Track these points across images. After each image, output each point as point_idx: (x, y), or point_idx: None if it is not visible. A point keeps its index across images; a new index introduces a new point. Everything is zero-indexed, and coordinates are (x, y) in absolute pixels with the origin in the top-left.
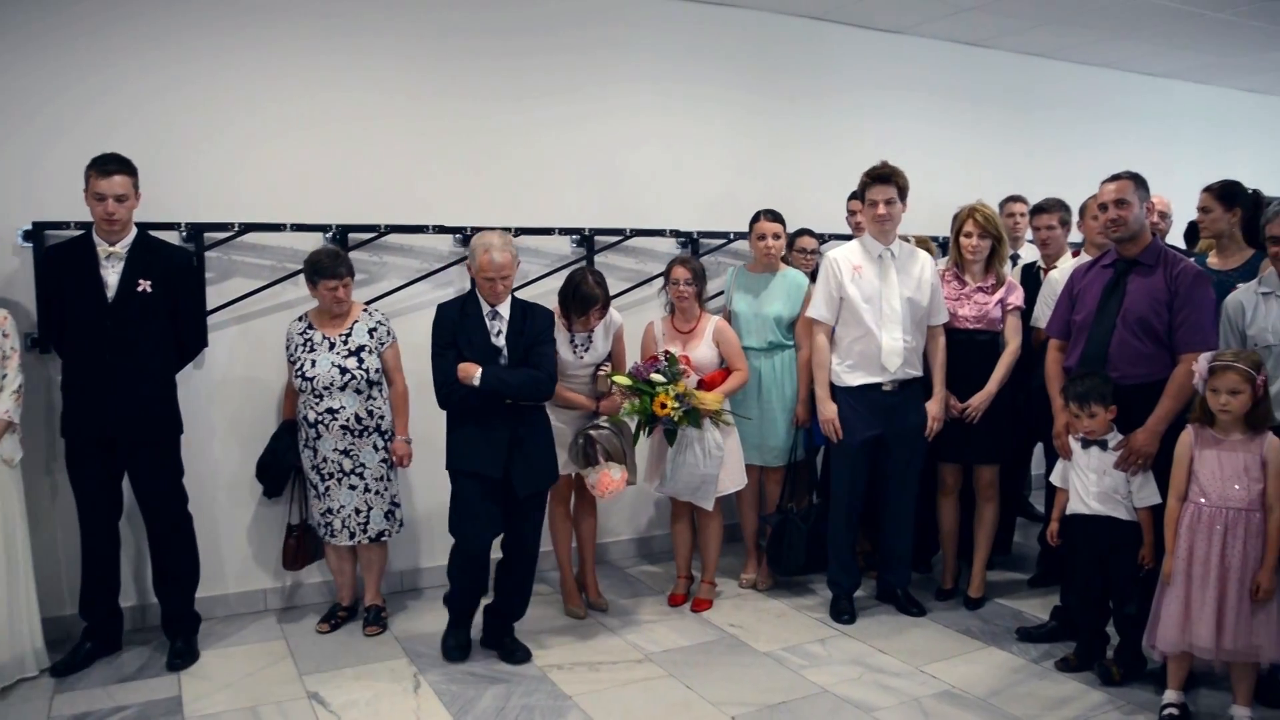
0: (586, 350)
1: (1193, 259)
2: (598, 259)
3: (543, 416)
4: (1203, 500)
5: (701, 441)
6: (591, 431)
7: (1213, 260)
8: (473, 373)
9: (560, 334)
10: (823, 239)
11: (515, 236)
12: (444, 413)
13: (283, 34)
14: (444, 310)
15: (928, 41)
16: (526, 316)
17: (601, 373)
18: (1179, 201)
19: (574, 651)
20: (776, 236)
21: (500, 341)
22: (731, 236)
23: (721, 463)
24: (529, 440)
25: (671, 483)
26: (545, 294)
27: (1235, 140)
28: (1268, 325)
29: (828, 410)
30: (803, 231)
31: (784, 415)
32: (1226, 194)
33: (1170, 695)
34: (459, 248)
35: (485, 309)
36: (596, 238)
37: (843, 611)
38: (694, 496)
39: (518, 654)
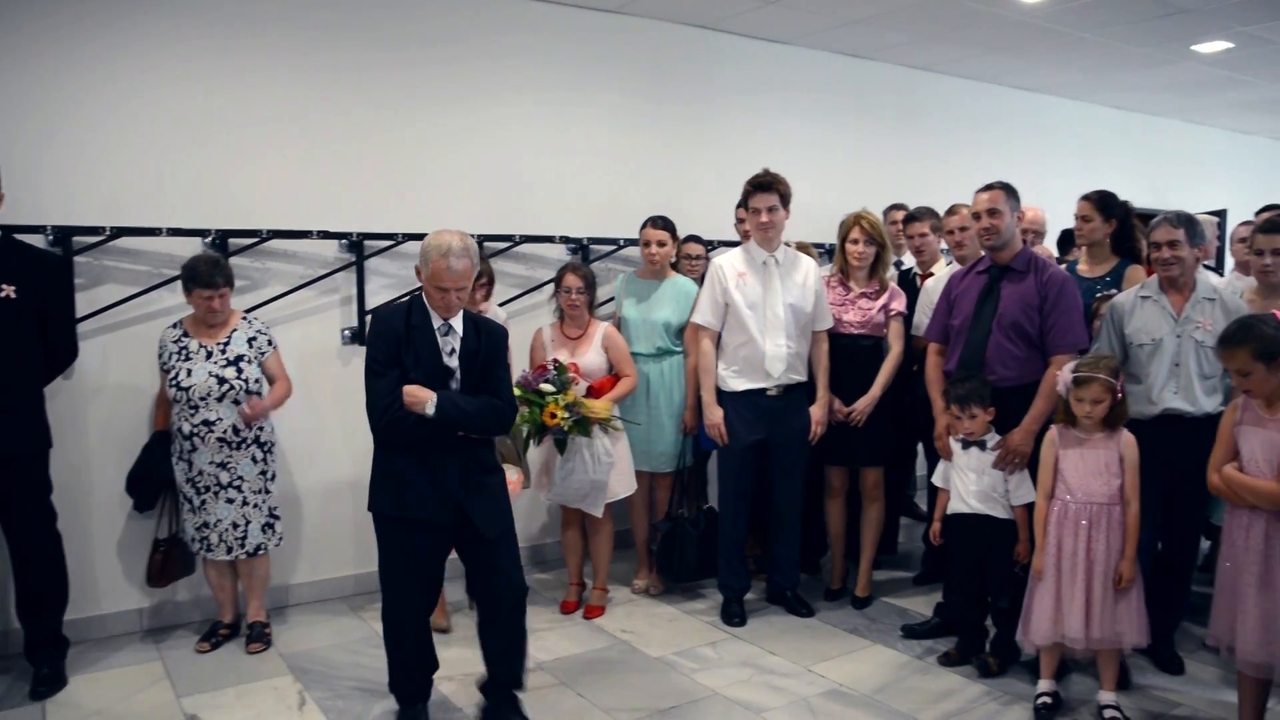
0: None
1: (1064, 266)
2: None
3: (491, 449)
4: (1068, 497)
5: (590, 448)
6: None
7: (1082, 267)
8: (424, 399)
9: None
10: (711, 245)
11: (401, 243)
12: (321, 421)
13: (162, 31)
14: (384, 321)
15: (814, 52)
16: (481, 333)
17: None
18: (1050, 212)
19: (466, 663)
20: (663, 244)
21: (453, 362)
22: (621, 243)
23: (611, 469)
24: (482, 475)
25: (561, 490)
26: None
27: (1103, 155)
28: (1143, 325)
29: (713, 415)
30: (690, 238)
31: (672, 421)
32: (1105, 204)
33: (1043, 685)
34: (344, 254)
35: (437, 322)
36: (485, 244)
37: (733, 614)
38: (583, 503)
39: None
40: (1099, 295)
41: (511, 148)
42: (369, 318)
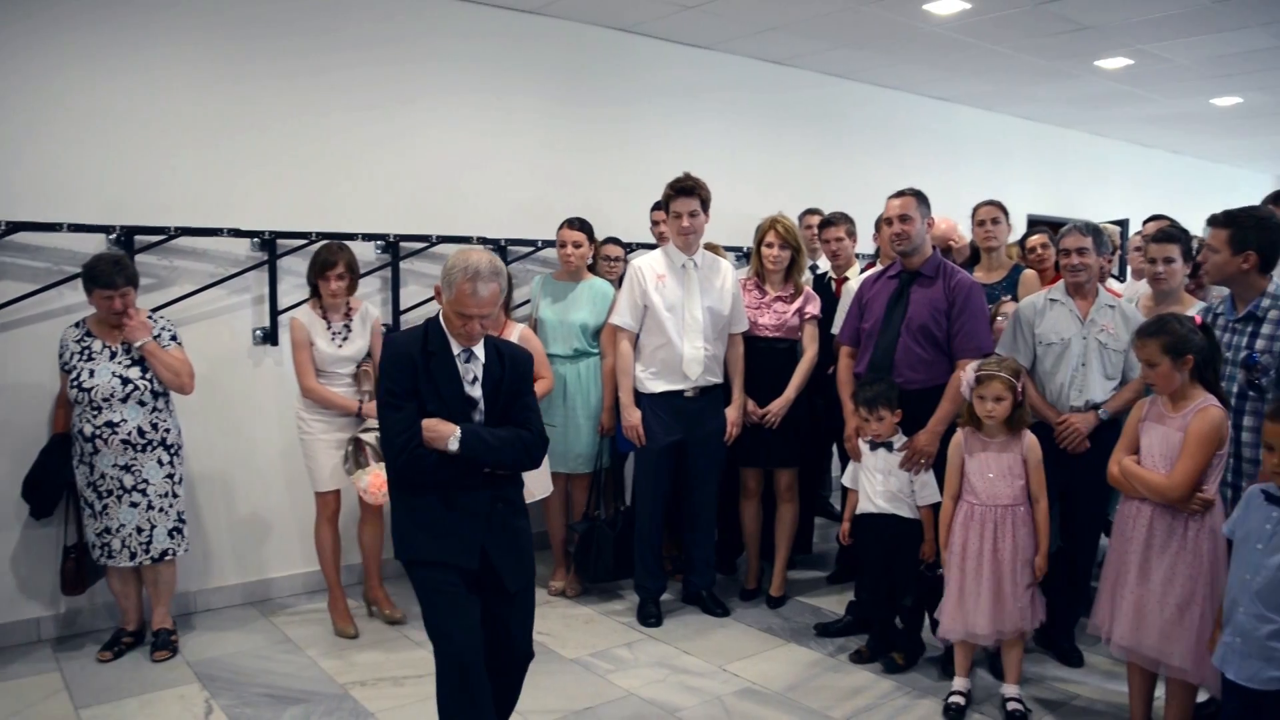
0: (345, 340)
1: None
2: (403, 265)
3: (519, 487)
4: (974, 499)
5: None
6: (361, 435)
7: (979, 274)
8: (447, 433)
9: (316, 322)
10: (630, 248)
11: (314, 241)
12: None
13: (62, 20)
14: (399, 347)
15: (733, 58)
16: (504, 360)
17: (364, 369)
18: (963, 218)
19: (377, 666)
20: (579, 245)
21: (476, 391)
22: (539, 244)
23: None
24: (510, 517)
25: None
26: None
27: (1013, 163)
28: (1052, 326)
29: (631, 416)
30: (609, 240)
31: (589, 423)
32: (1005, 209)
33: (957, 683)
34: (257, 252)
35: (456, 349)
36: (402, 244)
37: (649, 615)
38: None
39: None
40: (1001, 299)
41: (430, 148)
42: (284, 317)
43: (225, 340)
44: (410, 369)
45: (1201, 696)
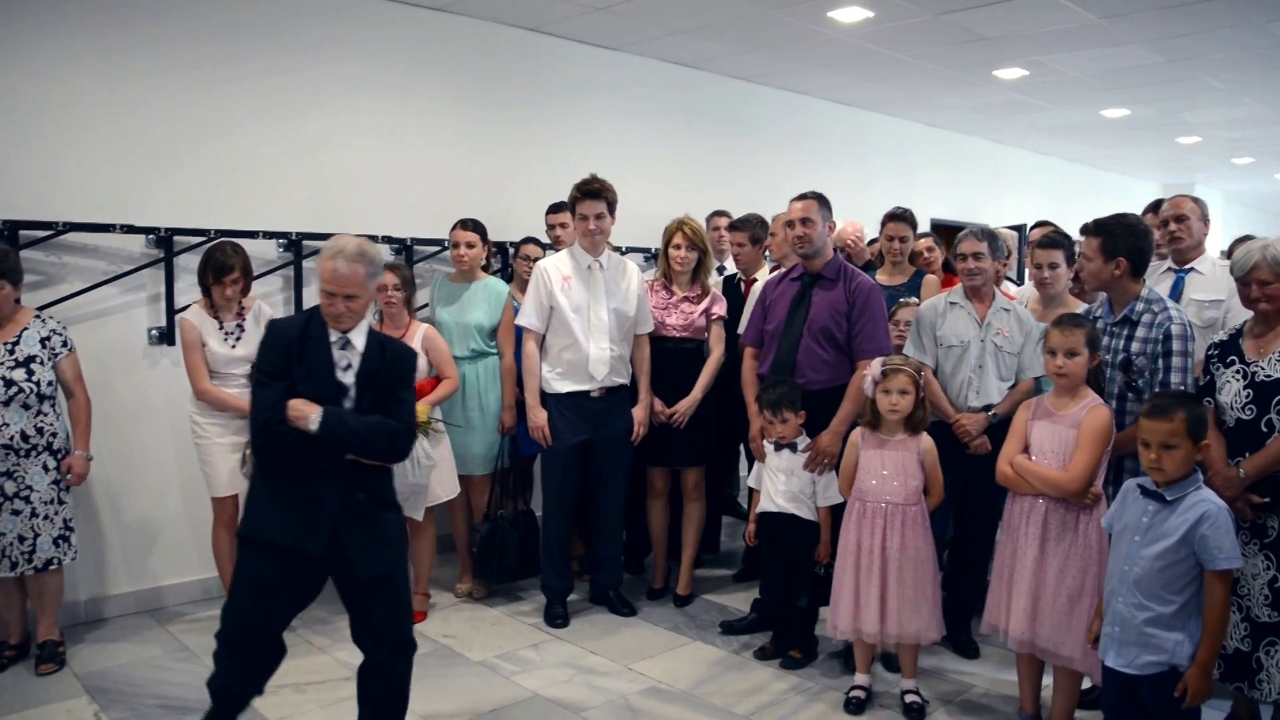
0: (238, 341)
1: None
2: (306, 264)
3: (388, 479)
4: (865, 498)
5: (412, 451)
6: None
7: (882, 277)
8: (308, 413)
9: (207, 322)
10: (548, 248)
11: (213, 240)
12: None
13: None
14: (278, 329)
15: (642, 60)
16: (385, 354)
17: None
18: (871, 223)
19: (278, 673)
20: (471, 245)
21: (348, 379)
22: (446, 244)
23: (431, 471)
24: (372, 507)
25: None
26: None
27: (917, 169)
28: (952, 329)
29: (537, 417)
30: (528, 240)
31: (488, 423)
32: (912, 219)
33: (857, 678)
34: (152, 249)
35: (334, 336)
36: (305, 242)
37: (556, 616)
38: (405, 508)
39: None
40: (900, 302)
41: (335, 144)
42: (178, 317)
43: (119, 340)
44: (285, 351)
45: (1086, 684)
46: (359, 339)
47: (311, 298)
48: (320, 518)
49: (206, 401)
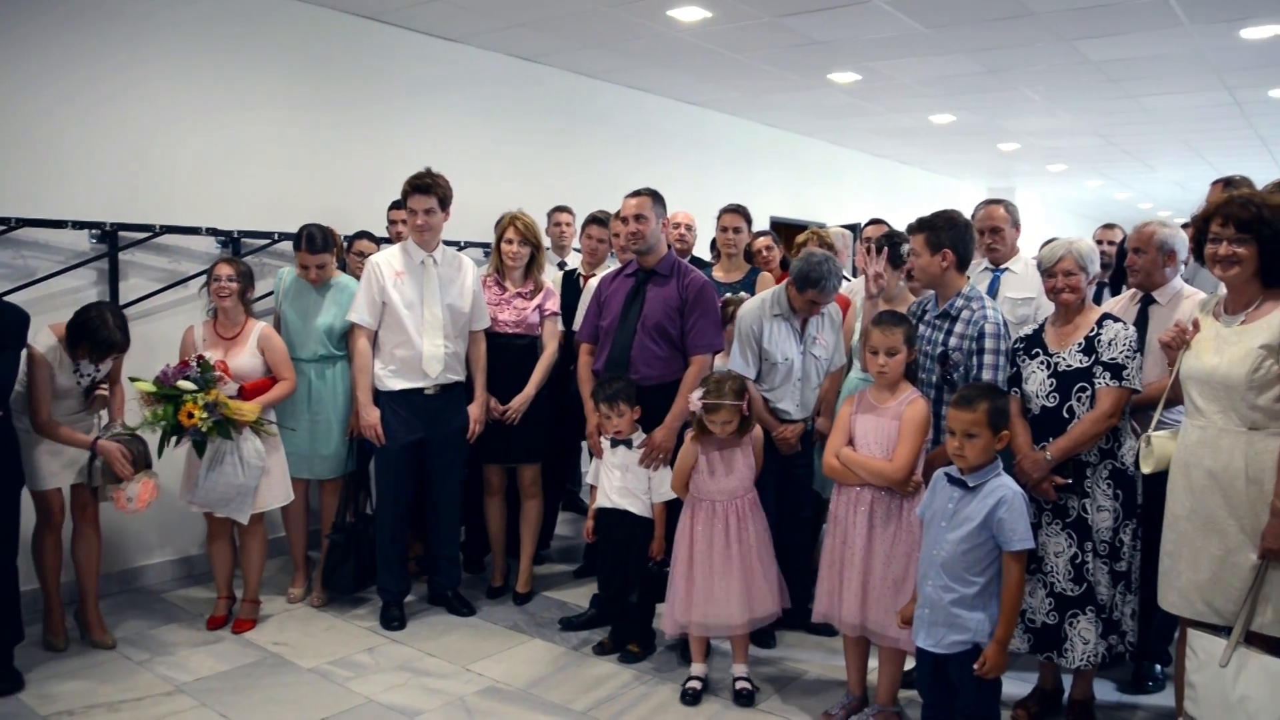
0: (95, 373)
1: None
2: (123, 256)
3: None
4: (702, 495)
5: (239, 451)
6: (113, 439)
7: (718, 273)
8: None
9: (62, 362)
10: (382, 244)
11: (15, 229)
12: None
13: None
14: None
15: (483, 52)
16: None
17: (100, 393)
18: (708, 221)
19: (90, 692)
20: (321, 266)
21: None
22: (276, 237)
23: (262, 474)
24: None
25: (203, 494)
26: (56, 294)
27: (756, 169)
28: (777, 345)
29: (370, 415)
30: (360, 235)
31: (337, 426)
32: (746, 213)
33: (694, 669)
34: None
35: None
36: (121, 233)
37: (393, 618)
38: (228, 510)
39: None
40: (726, 297)
41: (156, 130)
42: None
43: None
44: None
45: (909, 665)
46: None
47: (129, 292)
48: None
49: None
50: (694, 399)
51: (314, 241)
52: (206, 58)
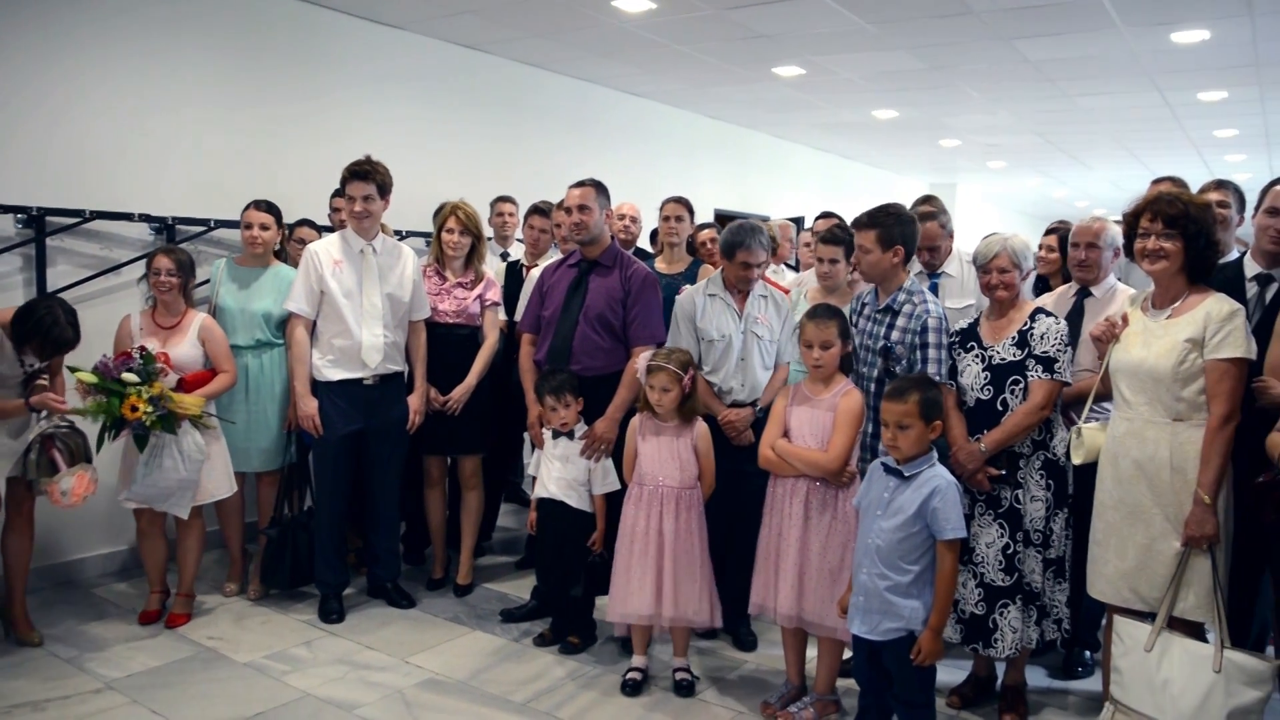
0: (37, 363)
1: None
2: (51, 242)
3: None
4: (644, 483)
5: (179, 445)
6: (51, 432)
7: (660, 265)
8: None
9: (3, 349)
10: (324, 231)
11: None
12: None
13: None
14: None
15: (426, 39)
16: None
17: (40, 383)
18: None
19: (14, 691)
20: (266, 228)
21: None
22: (213, 224)
23: (203, 467)
24: None
25: (143, 490)
26: None
27: (701, 161)
28: (713, 323)
29: (307, 406)
30: (303, 222)
31: (275, 417)
32: (690, 206)
33: (635, 660)
34: None
35: None
36: (49, 219)
37: (331, 611)
38: (168, 505)
39: None
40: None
41: (86, 113)
42: None
43: None
44: None
45: (847, 654)
46: None
47: (57, 279)
48: None
49: None
50: (642, 359)
51: (260, 201)
52: (140, 40)
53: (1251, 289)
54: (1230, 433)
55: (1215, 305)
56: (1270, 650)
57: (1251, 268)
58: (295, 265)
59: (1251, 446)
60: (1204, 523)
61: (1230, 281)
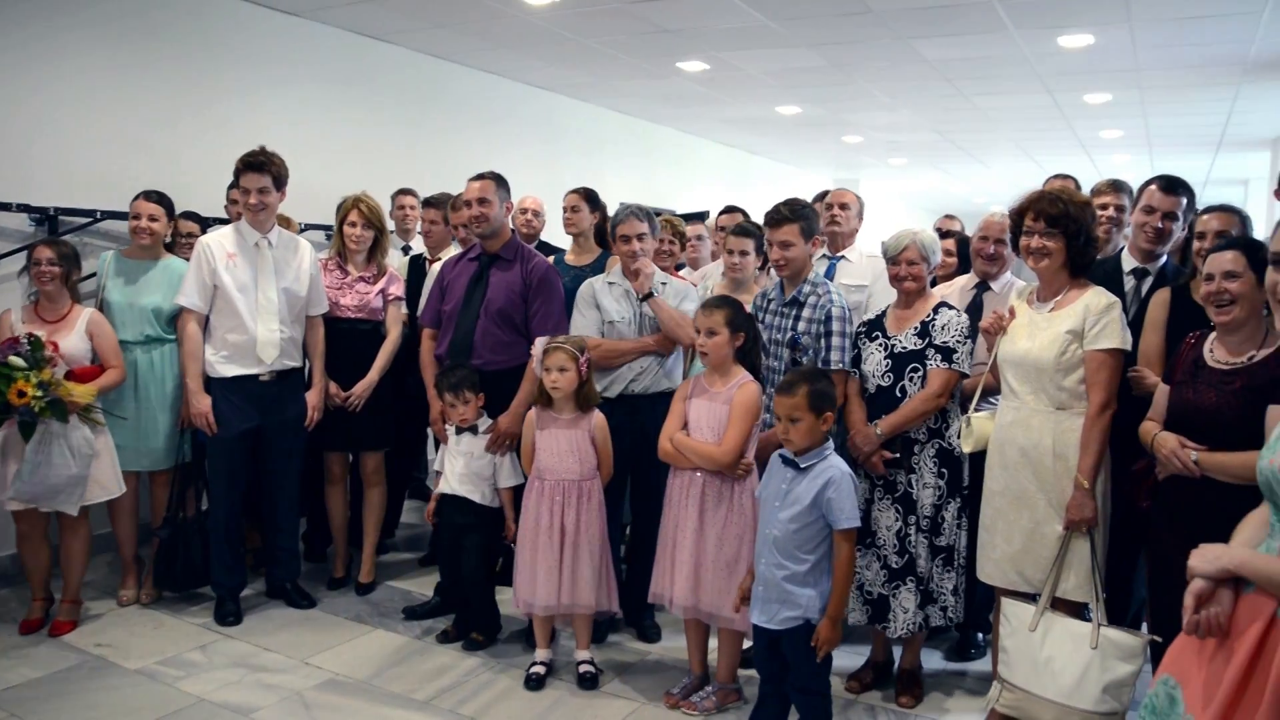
0: None
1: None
2: None
3: None
4: (543, 475)
5: (67, 440)
6: None
7: (570, 257)
8: None
9: None
10: (208, 224)
11: None
12: None
13: None
14: None
15: (326, 28)
16: None
17: None
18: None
19: None
20: (155, 219)
21: None
22: (99, 215)
23: (93, 463)
24: None
25: (28, 486)
26: None
27: (608, 155)
28: (610, 307)
29: (200, 403)
30: (185, 214)
31: (165, 414)
32: (591, 198)
33: (538, 654)
34: None
35: None
36: None
37: (228, 613)
38: (56, 502)
39: None
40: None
41: None
42: None
43: None
44: None
45: (747, 644)
46: None
47: None
48: None
49: None
50: (537, 344)
51: (150, 192)
52: (19, 22)
53: (1129, 282)
54: (1108, 421)
55: (1094, 298)
56: (1144, 627)
57: (1129, 262)
58: (185, 259)
59: (1129, 434)
60: (1083, 507)
61: (1110, 275)
